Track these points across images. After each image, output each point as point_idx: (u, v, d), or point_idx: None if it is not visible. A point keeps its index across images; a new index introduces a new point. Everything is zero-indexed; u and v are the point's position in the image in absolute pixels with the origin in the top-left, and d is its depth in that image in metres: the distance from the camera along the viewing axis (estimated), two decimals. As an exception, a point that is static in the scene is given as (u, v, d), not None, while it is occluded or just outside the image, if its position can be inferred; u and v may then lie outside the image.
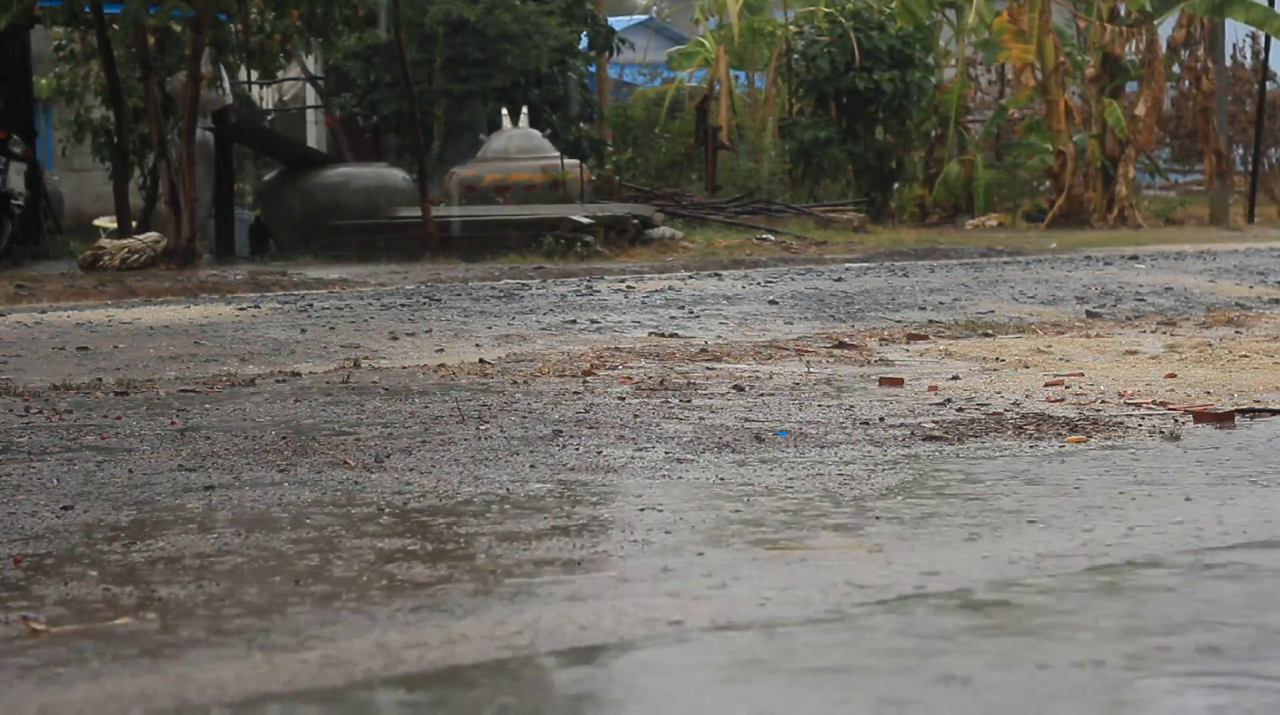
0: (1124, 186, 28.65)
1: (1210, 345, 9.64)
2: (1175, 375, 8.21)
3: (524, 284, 15.20)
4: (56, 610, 4.02)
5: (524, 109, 25.69)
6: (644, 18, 44.74)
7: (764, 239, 22.68)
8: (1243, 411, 6.87)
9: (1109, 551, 4.47)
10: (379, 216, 21.49)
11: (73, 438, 6.60)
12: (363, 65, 27.36)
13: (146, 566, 4.44)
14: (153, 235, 19.21)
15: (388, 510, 5.15)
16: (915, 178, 30.45)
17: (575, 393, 7.80)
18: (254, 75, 27.36)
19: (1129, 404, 7.23)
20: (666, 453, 6.14)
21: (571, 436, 6.49)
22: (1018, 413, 6.99)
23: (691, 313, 12.07)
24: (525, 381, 8.25)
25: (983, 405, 7.25)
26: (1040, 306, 12.70)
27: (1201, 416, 6.75)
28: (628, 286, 14.36)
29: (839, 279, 15.01)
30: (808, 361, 9.18)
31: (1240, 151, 34.90)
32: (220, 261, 20.31)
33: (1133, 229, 27.20)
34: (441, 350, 9.84)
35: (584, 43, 28.83)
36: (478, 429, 6.70)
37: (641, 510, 5.12)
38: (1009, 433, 6.50)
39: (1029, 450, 6.12)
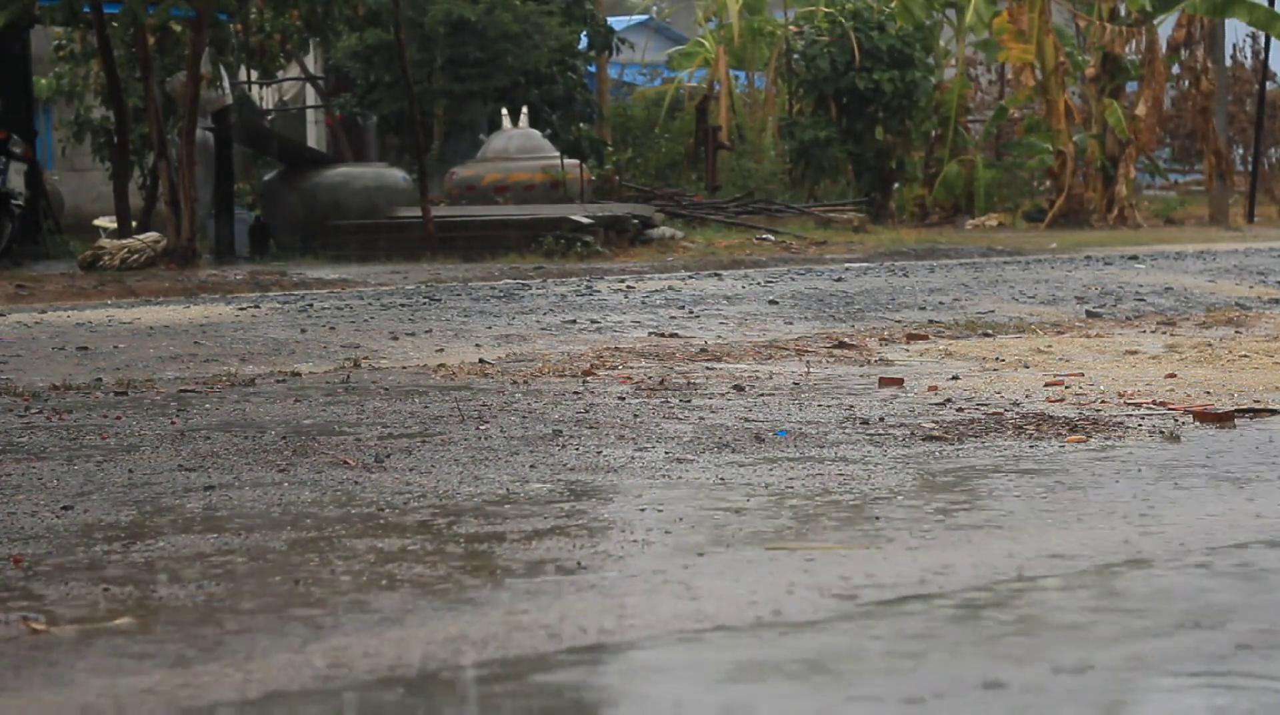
0: (1124, 186, 28.66)
1: (1210, 345, 9.64)
2: (1175, 375, 8.21)
3: (524, 284, 15.20)
4: (56, 610, 4.01)
5: (524, 109, 25.70)
6: (644, 18, 44.73)
7: (764, 239, 22.69)
8: (1243, 411, 6.87)
9: (1109, 551, 4.47)
10: (379, 216, 21.49)
11: (73, 438, 6.60)
12: (363, 65, 27.37)
13: (146, 566, 4.44)
14: (153, 235, 19.21)
15: (388, 510, 5.15)
16: (915, 178, 30.46)
17: (575, 393, 7.80)
18: (254, 75, 27.36)
19: (1129, 404, 7.23)
20: (666, 453, 6.14)
21: (571, 436, 6.49)
22: (1018, 413, 6.99)
23: (691, 313, 12.07)
24: (525, 381, 8.25)
25: (983, 405, 7.25)
26: (1040, 306, 12.70)
27: (1201, 416, 6.74)
28: (628, 286, 14.36)
29: (839, 279, 15.01)
30: (808, 361, 9.18)
31: (1240, 151, 34.91)
32: (220, 261, 20.31)
33: (1133, 229, 27.21)
34: (441, 350, 9.84)
35: (584, 43, 28.83)
36: (478, 429, 6.70)
37: (641, 510, 5.12)
38: (1009, 433, 6.49)
39: (1029, 450, 6.12)
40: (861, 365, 9.03)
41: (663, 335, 10.73)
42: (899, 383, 8.08)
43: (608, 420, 6.91)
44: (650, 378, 8.36)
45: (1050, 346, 9.76)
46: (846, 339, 10.33)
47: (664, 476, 5.68)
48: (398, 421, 6.94)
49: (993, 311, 12.33)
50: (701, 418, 6.99)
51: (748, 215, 25.16)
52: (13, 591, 4.20)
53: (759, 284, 14.55)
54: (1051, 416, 6.86)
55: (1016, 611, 3.97)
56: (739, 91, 33.26)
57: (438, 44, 26.49)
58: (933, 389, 7.83)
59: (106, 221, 24.31)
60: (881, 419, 6.89)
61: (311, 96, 33.28)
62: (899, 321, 11.61)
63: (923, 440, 6.36)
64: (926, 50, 30.34)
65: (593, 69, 30.71)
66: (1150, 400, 7.31)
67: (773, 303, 12.78)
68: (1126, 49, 29.18)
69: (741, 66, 33.36)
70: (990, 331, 10.77)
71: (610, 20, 31.85)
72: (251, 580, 4.29)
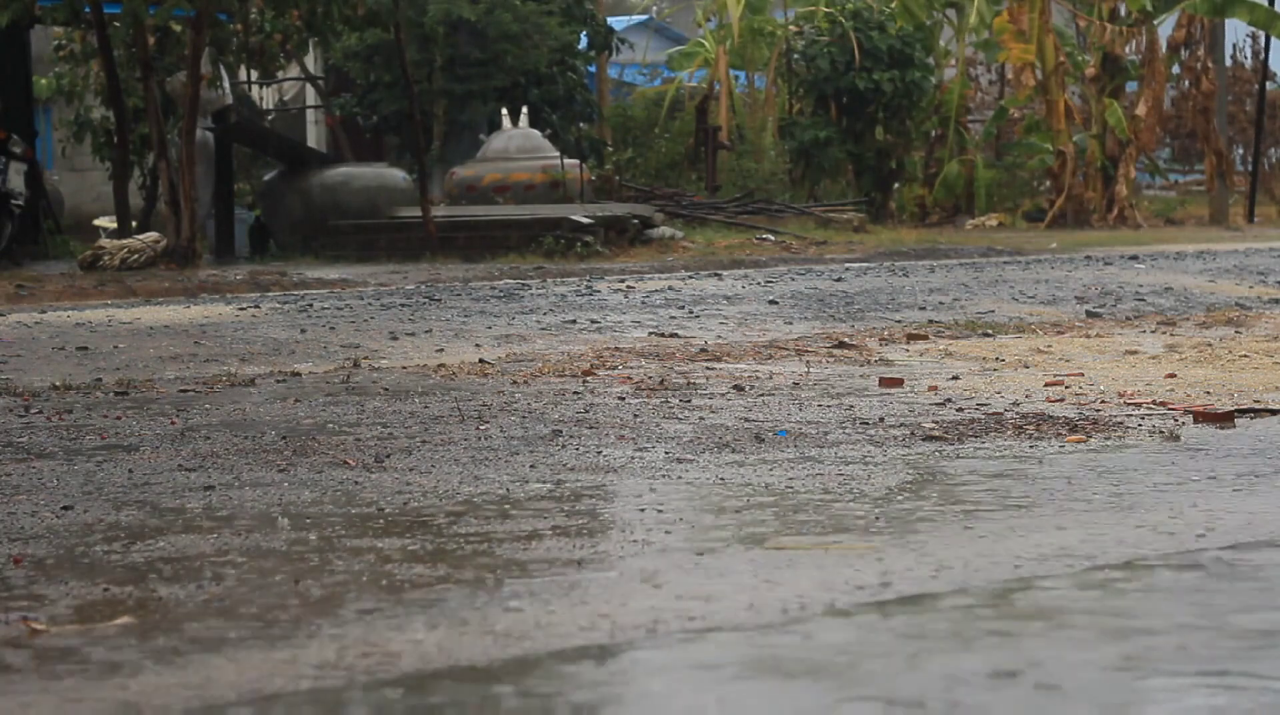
0: (1124, 186, 28.66)
1: (1210, 345, 9.64)
2: (1175, 375, 8.21)
3: (524, 284, 15.20)
4: (56, 610, 4.01)
5: (524, 109, 25.70)
6: (644, 18, 44.74)
7: (764, 239, 22.69)
8: (1243, 411, 6.87)
9: (1108, 551, 4.47)
10: (379, 216, 21.49)
11: (73, 438, 6.60)
12: (363, 65, 27.37)
13: (146, 566, 4.44)
14: (153, 235, 19.22)
15: (388, 510, 5.15)
16: (915, 178, 30.46)
17: (575, 393, 7.80)
18: (254, 75, 27.37)
19: (1129, 404, 7.23)
20: (666, 453, 6.14)
21: (571, 436, 6.49)
22: (1018, 413, 6.99)
23: (691, 313, 12.07)
24: (525, 381, 8.25)
25: (983, 405, 7.25)
26: (1040, 306, 12.70)
27: (1201, 416, 6.74)
28: (628, 286, 14.36)
29: (839, 279, 15.01)
30: (808, 361, 9.18)
31: (1240, 151, 34.92)
32: (220, 261, 20.32)
33: (1133, 229, 27.21)
34: (441, 350, 9.84)
35: (584, 43, 28.84)
36: (478, 429, 6.70)
37: (641, 510, 5.12)
38: (1009, 433, 6.49)
39: (1029, 450, 6.12)
40: (861, 365, 9.03)
41: (663, 335, 10.73)
42: (899, 383, 8.08)
43: (608, 420, 6.91)
44: (650, 378, 8.37)
45: (1050, 346, 9.76)
46: (846, 339, 10.33)
47: (664, 476, 5.68)
48: (398, 421, 6.94)
49: (993, 311, 12.33)
50: (701, 418, 6.99)
51: (748, 215, 25.16)
52: (13, 591, 4.20)
53: (759, 284, 14.55)
54: (1051, 416, 6.86)
55: (1017, 610, 3.97)
56: (739, 91, 33.26)
57: (438, 44, 26.49)
58: (933, 389, 7.83)
59: (106, 221, 24.32)
60: (881, 419, 6.89)
61: (311, 96, 33.29)
62: (899, 321, 11.61)
63: (923, 440, 6.36)
64: (926, 50, 30.34)
65: (593, 69, 30.71)
66: (1150, 400, 7.31)
67: (773, 303, 12.78)
68: (1126, 49, 29.18)
69: (741, 66, 33.35)
70: (990, 331, 10.77)
71: (610, 20, 31.86)
72: (251, 580, 4.29)
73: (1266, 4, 29.07)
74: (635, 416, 7.02)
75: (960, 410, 7.10)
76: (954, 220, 29.04)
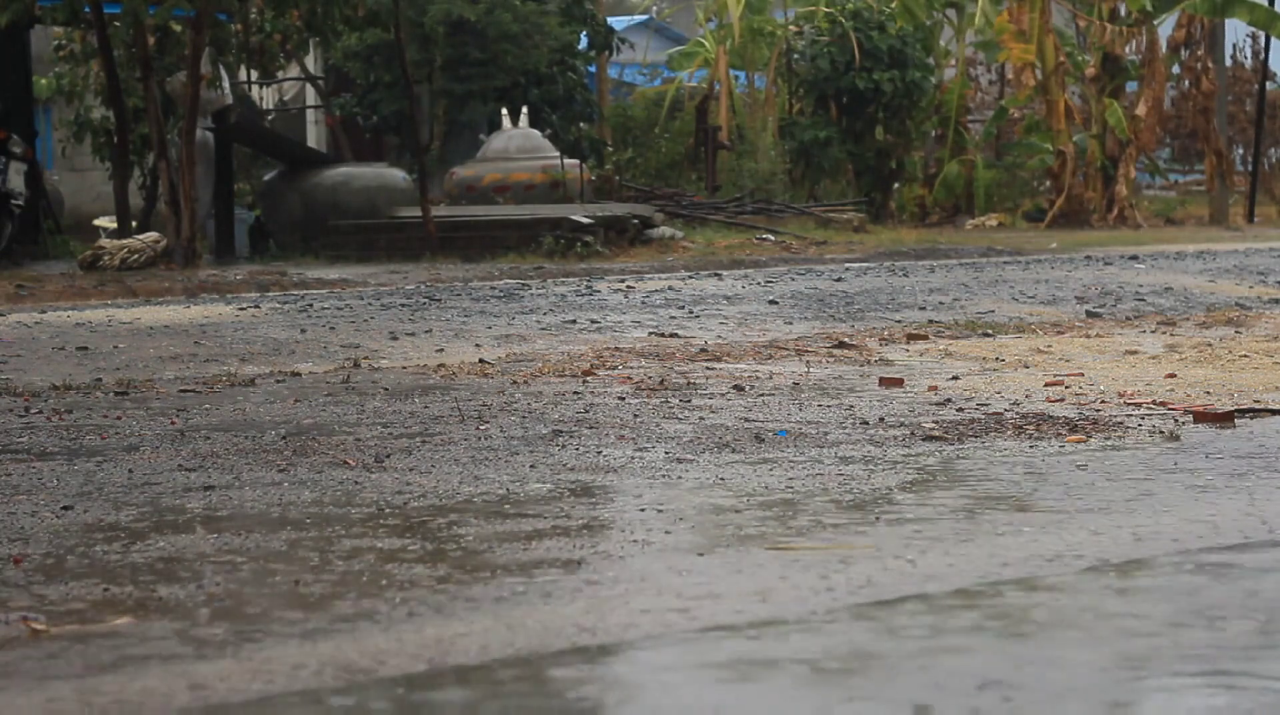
0: (1124, 186, 28.67)
1: (1210, 345, 9.64)
2: (1175, 375, 8.21)
3: (524, 284, 15.21)
4: (56, 610, 4.01)
5: (524, 109, 25.70)
6: (644, 18, 44.74)
7: (764, 239, 22.69)
8: (1243, 411, 6.87)
9: (1108, 552, 4.47)
10: (379, 216, 21.50)
11: (73, 438, 6.60)
12: (363, 65, 27.37)
13: (146, 566, 4.44)
14: (153, 235, 19.22)
15: (388, 510, 5.15)
16: (915, 178, 30.47)
17: (575, 393, 7.80)
18: (254, 75, 27.37)
19: (1129, 404, 7.23)
20: (666, 453, 6.14)
21: (571, 436, 6.49)
22: (1018, 413, 6.99)
23: (691, 313, 12.07)
24: (525, 381, 8.25)
25: (983, 405, 7.25)
26: (1040, 306, 12.70)
27: (1201, 416, 6.74)
28: (628, 286, 14.36)
29: (839, 279, 15.01)
30: (808, 361, 9.18)
31: (1240, 151, 34.93)
32: (220, 261, 20.32)
33: (1133, 229, 27.21)
34: (441, 350, 9.84)
35: (584, 43, 28.84)
36: (478, 429, 6.70)
37: (641, 510, 5.12)
38: (1009, 433, 6.49)
39: (1029, 450, 6.12)
40: (861, 365, 9.03)
41: (663, 335, 10.73)
42: (899, 383, 8.08)
43: (608, 420, 6.91)
44: (650, 378, 8.37)
45: (1050, 346, 9.76)
46: (846, 339, 10.33)
47: (664, 476, 5.68)
48: (398, 421, 6.94)
49: (993, 311, 12.33)
50: (701, 418, 6.98)
51: (748, 215, 25.16)
52: (13, 591, 4.20)
53: (759, 284, 14.55)
54: (1051, 416, 6.86)
55: (1016, 611, 3.97)
56: (739, 91, 33.26)
57: (438, 44, 26.49)
58: (933, 389, 7.83)
59: (106, 221, 24.32)
60: (881, 419, 6.89)
61: (311, 96, 33.29)
62: (899, 321, 11.61)
63: (923, 440, 6.36)
64: (926, 50, 30.36)
65: (593, 69, 30.71)
66: (1150, 400, 7.31)
67: (773, 303, 12.78)
68: (1126, 49, 29.19)
69: (741, 66, 33.36)
70: (990, 331, 10.77)
71: (610, 20, 31.86)
72: (252, 581, 4.29)
73: (1266, 4, 29.08)
74: (635, 416, 7.02)
75: (960, 410, 7.10)
76: (954, 220, 29.05)
